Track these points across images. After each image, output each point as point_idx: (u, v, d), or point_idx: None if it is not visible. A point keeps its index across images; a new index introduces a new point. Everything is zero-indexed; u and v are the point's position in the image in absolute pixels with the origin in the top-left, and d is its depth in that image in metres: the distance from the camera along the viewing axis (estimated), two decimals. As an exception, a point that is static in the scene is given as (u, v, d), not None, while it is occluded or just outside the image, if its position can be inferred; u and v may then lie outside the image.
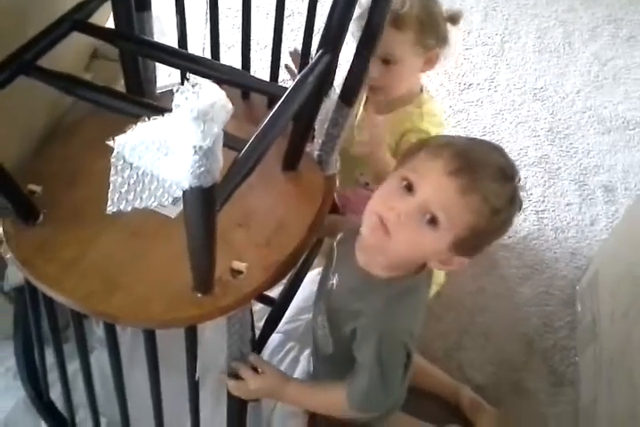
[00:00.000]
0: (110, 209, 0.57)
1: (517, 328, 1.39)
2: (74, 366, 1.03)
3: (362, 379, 0.84)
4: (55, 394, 1.14)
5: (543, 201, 1.64)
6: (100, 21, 0.91)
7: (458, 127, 1.78)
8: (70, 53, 0.94)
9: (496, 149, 0.83)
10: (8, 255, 0.82)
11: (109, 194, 0.56)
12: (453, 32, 1.22)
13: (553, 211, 1.62)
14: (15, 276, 0.87)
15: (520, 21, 2.09)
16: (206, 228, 0.62)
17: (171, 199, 0.55)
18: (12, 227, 0.80)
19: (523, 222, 1.57)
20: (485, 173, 0.76)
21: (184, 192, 0.55)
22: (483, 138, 1.77)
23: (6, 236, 0.80)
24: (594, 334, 1.28)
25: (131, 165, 0.53)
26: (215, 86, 0.48)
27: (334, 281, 0.91)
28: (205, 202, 0.58)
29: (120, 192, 0.55)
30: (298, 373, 1.13)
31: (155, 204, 0.55)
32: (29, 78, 0.75)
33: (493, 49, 1.99)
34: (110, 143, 0.52)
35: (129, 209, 0.57)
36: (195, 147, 0.49)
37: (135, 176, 0.54)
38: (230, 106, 0.50)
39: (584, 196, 1.66)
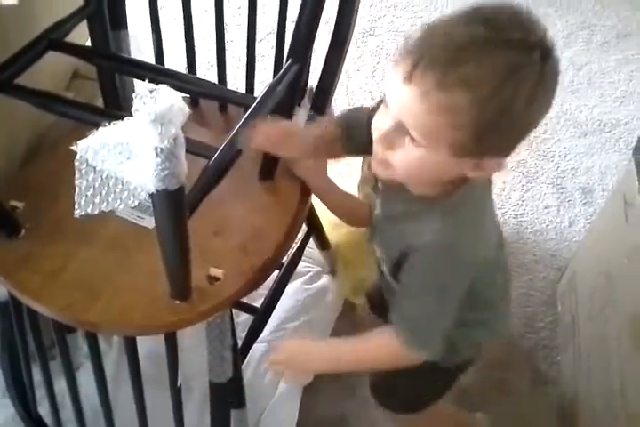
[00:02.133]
0: (78, 213, 0.58)
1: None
2: (62, 383, 1.03)
3: (412, 305, 0.73)
4: (44, 410, 1.14)
5: (522, 205, 1.67)
6: (79, 41, 0.94)
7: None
8: (50, 73, 0.96)
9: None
10: (-9, 270, 0.84)
11: (76, 197, 0.58)
12: None
13: (532, 214, 1.65)
14: (0, 291, 0.89)
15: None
16: (177, 231, 0.64)
17: (136, 202, 0.57)
18: (-6, 242, 0.82)
19: (503, 226, 1.59)
20: (442, 47, 0.60)
21: (152, 196, 0.57)
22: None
23: (-11, 251, 0.82)
24: (573, 332, 1.30)
25: (94, 168, 0.55)
26: (171, 90, 0.50)
27: (379, 212, 0.81)
28: (173, 205, 0.59)
29: (86, 196, 0.57)
30: (283, 384, 1.14)
31: (121, 206, 0.57)
32: (8, 97, 0.78)
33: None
34: (74, 147, 0.54)
35: (96, 212, 0.58)
36: (156, 149, 0.51)
37: (100, 179, 0.56)
38: (187, 109, 0.51)
39: (562, 198, 1.69)
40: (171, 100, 0.50)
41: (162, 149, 0.51)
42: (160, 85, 0.50)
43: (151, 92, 0.49)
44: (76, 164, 0.55)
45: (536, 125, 0.65)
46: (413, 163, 0.65)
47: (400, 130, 0.63)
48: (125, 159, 0.53)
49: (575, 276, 1.38)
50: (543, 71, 0.61)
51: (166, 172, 0.53)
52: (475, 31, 0.59)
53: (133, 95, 0.50)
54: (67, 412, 1.08)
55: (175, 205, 0.59)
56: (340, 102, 1.81)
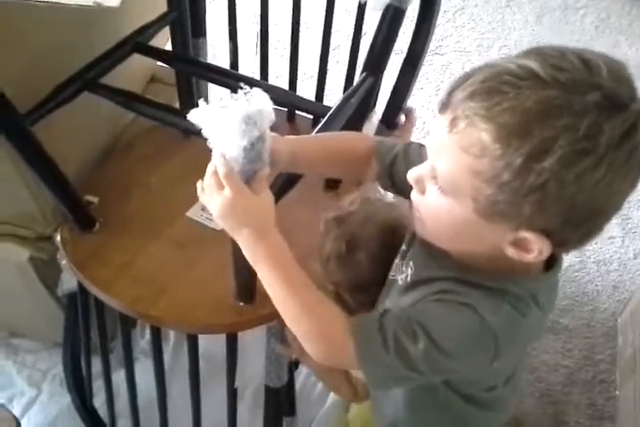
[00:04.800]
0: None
1: (559, 360, 1.36)
2: (115, 376, 1.06)
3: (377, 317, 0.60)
4: (98, 402, 1.17)
5: (585, 233, 1.63)
6: (158, 46, 0.98)
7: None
8: (129, 75, 1.00)
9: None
10: (63, 262, 0.87)
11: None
12: None
13: (595, 244, 1.60)
14: (68, 282, 0.92)
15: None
16: None
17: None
18: (69, 234, 0.85)
19: (565, 254, 1.56)
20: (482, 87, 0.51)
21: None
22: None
23: (63, 242, 0.85)
24: (634, 367, 1.25)
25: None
26: (265, 95, 0.52)
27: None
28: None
29: None
30: (332, 395, 1.13)
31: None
32: (93, 95, 0.81)
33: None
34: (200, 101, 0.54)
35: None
36: (241, 147, 0.52)
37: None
38: (273, 116, 0.53)
39: (627, 229, 1.64)
40: (262, 105, 0.51)
41: (246, 147, 0.52)
42: (255, 89, 0.51)
43: (246, 94, 0.51)
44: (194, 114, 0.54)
45: (601, 211, 0.53)
46: (439, 212, 0.57)
47: (432, 174, 0.57)
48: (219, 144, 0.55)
49: (639, 309, 1.33)
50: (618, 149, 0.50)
51: (250, 173, 0.55)
52: (548, 96, 0.49)
53: (230, 97, 0.51)
54: (119, 405, 1.10)
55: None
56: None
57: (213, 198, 0.59)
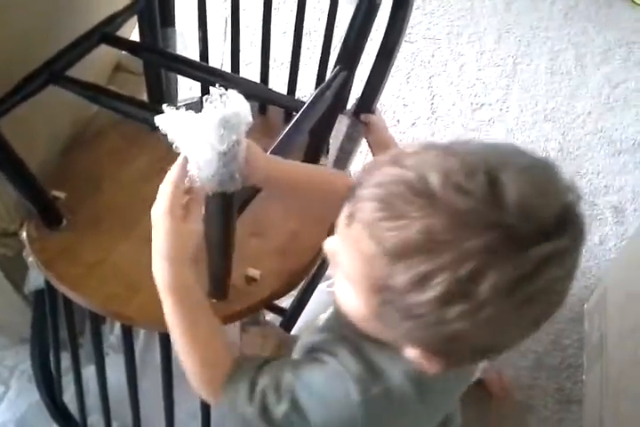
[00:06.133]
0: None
1: (527, 345, 1.39)
2: (85, 372, 1.05)
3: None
4: (67, 398, 1.15)
5: (553, 220, 1.65)
6: (124, 36, 0.95)
7: (469, 146, 1.80)
8: (96, 65, 0.97)
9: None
10: (30, 258, 0.84)
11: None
12: None
13: (563, 230, 1.64)
14: (36, 279, 0.89)
15: (533, 43, 2.12)
16: (224, 231, 0.64)
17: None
18: (35, 231, 0.83)
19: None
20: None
21: (206, 197, 0.57)
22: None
23: (29, 239, 0.82)
24: (601, 352, 1.28)
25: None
26: (241, 97, 0.51)
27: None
28: (225, 207, 0.60)
29: None
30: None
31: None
32: (57, 88, 0.79)
33: (506, 70, 2.02)
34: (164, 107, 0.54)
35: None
36: (217, 152, 0.51)
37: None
38: (250, 118, 0.52)
39: (593, 216, 1.67)
40: (239, 107, 0.50)
41: (223, 152, 0.51)
42: (230, 91, 0.50)
43: (221, 96, 0.50)
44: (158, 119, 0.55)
45: (489, 348, 0.50)
46: (343, 294, 0.54)
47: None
48: (187, 150, 0.54)
49: (605, 294, 1.36)
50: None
51: (224, 176, 0.54)
52: (434, 227, 0.44)
53: (204, 98, 0.50)
54: (90, 400, 1.09)
55: (227, 207, 0.60)
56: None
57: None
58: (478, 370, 0.70)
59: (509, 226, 0.43)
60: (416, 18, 2.12)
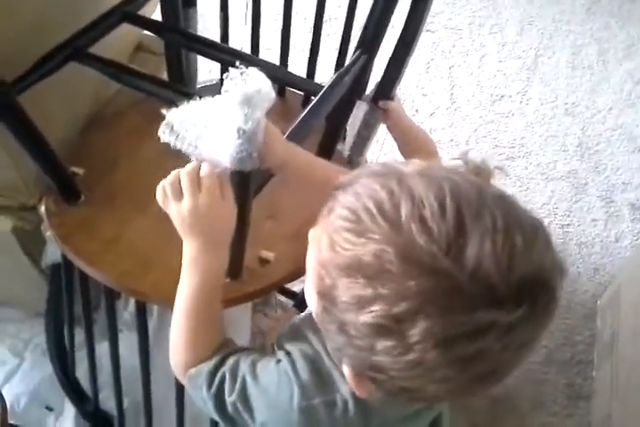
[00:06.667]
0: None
1: (537, 340, 1.40)
2: (97, 348, 1.06)
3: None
4: (80, 373, 1.17)
5: (569, 215, 1.64)
6: (146, 15, 0.95)
7: (488, 137, 1.79)
8: (117, 44, 0.98)
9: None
10: (48, 233, 0.86)
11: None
12: None
13: (578, 226, 1.62)
14: (53, 253, 0.91)
15: (555, 37, 2.10)
16: (241, 210, 0.64)
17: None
18: (53, 206, 0.84)
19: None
20: None
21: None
22: (509, 151, 1.77)
23: (48, 213, 0.84)
24: (612, 349, 1.28)
25: (177, 135, 0.56)
26: (262, 74, 0.51)
27: None
28: (243, 185, 0.60)
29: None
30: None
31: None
32: (79, 65, 0.79)
33: (527, 62, 2.00)
34: (164, 111, 0.55)
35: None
36: (239, 130, 0.51)
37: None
38: (273, 95, 0.53)
39: (610, 212, 1.66)
40: (260, 85, 0.50)
41: (244, 130, 0.51)
42: (250, 68, 0.50)
43: (242, 74, 0.50)
44: (162, 126, 0.56)
45: (413, 390, 0.47)
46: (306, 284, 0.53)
47: None
48: (207, 134, 0.54)
49: (619, 292, 1.35)
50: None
51: (244, 153, 0.54)
52: (383, 254, 0.43)
53: (224, 76, 0.50)
54: (102, 376, 1.10)
55: (244, 186, 0.60)
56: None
57: (181, 201, 0.60)
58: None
59: (458, 284, 0.41)
60: (438, 7, 2.11)
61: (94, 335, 1.03)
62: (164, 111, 0.56)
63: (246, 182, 0.61)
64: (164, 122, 0.56)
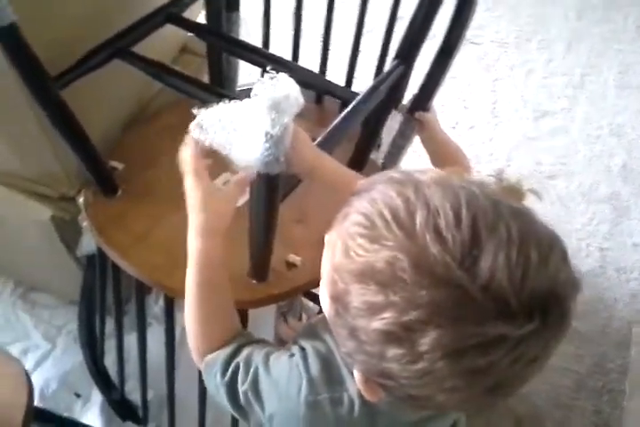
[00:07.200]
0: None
1: (569, 365, 1.37)
2: (127, 339, 1.09)
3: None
4: (109, 362, 1.20)
5: (608, 239, 1.60)
6: (191, 18, 0.98)
7: (529, 154, 1.77)
8: (161, 45, 1.00)
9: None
10: (84, 224, 0.89)
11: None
12: None
13: (618, 250, 1.59)
14: (88, 244, 0.94)
15: (603, 55, 2.07)
16: (268, 213, 0.66)
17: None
18: (91, 197, 0.87)
19: (585, 258, 1.55)
20: None
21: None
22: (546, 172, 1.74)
23: (85, 205, 0.87)
24: (644, 378, 1.25)
25: (207, 136, 0.58)
26: (291, 80, 0.52)
27: None
28: (270, 188, 0.61)
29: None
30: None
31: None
32: (123, 63, 0.82)
33: (573, 80, 1.98)
34: (195, 111, 0.57)
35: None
36: (266, 134, 0.53)
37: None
38: (302, 100, 0.54)
39: (650, 238, 1.62)
40: (289, 90, 0.51)
41: (272, 134, 0.53)
42: (280, 74, 0.52)
43: (272, 79, 0.51)
44: (191, 126, 0.58)
45: (420, 397, 0.47)
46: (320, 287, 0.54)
47: None
48: (237, 137, 0.56)
49: (655, 320, 1.32)
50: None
51: (271, 157, 0.55)
52: (398, 263, 0.43)
53: (256, 80, 0.52)
54: (129, 366, 1.13)
55: (271, 188, 0.61)
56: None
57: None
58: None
59: (470, 295, 0.41)
60: (485, 20, 2.11)
61: (124, 326, 1.05)
62: (194, 111, 0.58)
63: (273, 185, 0.61)
64: (194, 122, 0.58)
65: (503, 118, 1.85)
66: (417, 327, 0.42)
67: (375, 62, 1.05)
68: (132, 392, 1.18)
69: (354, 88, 1.13)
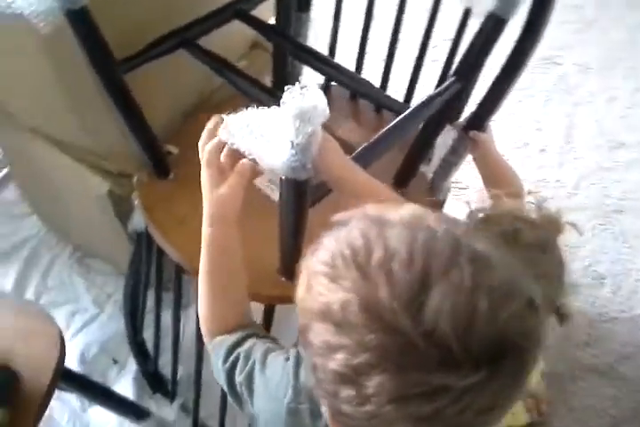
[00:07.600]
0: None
1: (605, 407, 1.32)
2: (166, 315, 1.13)
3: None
4: (147, 335, 1.25)
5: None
6: (264, 17, 1.00)
7: (598, 185, 1.71)
8: (227, 40, 1.01)
9: None
10: (136, 201, 0.95)
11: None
12: None
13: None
14: (138, 221, 1.00)
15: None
16: (297, 216, 0.68)
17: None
18: (145, 177, 0.93)
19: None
20: None
21: (281, 181, 0.62)
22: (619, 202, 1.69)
23: (139, 183, 0.92)
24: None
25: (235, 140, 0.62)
26: (320, 92, 0.54)
27: None
28: (297, 192, 0.63)
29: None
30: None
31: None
32: (188, 55, 0.86)
33: (658, 113, 1.89)
34: (224, 116, 0.60)
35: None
36: (292, 142, 0.55)
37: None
38: (327, 112, 0.55)
39: None
40: (316, 101, 0.53)
41: (297, 143, 0.55)
42: (311, 84, 0.54)
43: (302, 88, 0.53)
44: (221, 130, 0.62)
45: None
46: None
47: None
48: (264, 142, 0.58)
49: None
50: None
51: (297, 164, 0.57)
52: (347, 301, 0.43)
53: (286, 88, 0.54)
54: (166, 342, 1.16)
55: (299, 193, 0.63)
56: (505, 124, 1.76)
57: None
58: None
59: (413, 342, 0.40)
60: (569, 40, 2.04)
61: (164, 303, 1.10)
62: (224, 116, 0.61)
63: (301, 191, 0.63)
64: (222, 126, 0.61)
65: (576, 145, 1.79)
66: (365, 371, 0.42)
67: (436, 80, 1.05)
68: (166, 366, 1.23)
69: (414, 102, 1.14)
